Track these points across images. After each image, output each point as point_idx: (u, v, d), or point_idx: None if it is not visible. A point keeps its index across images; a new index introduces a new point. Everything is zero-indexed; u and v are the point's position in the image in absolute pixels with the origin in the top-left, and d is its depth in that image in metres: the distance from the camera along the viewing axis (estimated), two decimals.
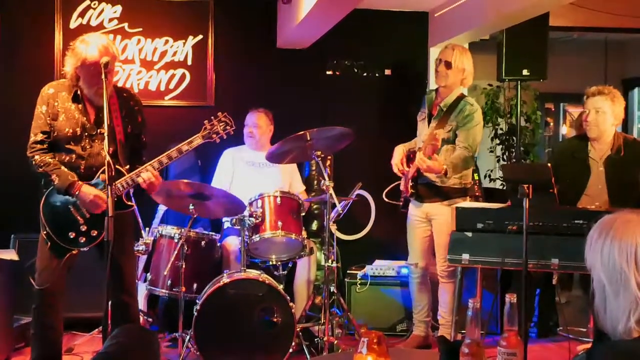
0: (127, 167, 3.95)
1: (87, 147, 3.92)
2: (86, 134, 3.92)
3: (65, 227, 3.90)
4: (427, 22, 6.73)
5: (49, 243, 3.91)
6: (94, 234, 3.89)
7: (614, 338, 1.88)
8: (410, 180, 4.90)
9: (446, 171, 4.60)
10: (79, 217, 3.89)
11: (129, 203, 4.00)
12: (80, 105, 3.94)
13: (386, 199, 5.20)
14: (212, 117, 4.16)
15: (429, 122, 4.98)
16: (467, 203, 4.87)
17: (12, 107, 5.84)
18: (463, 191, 4.94)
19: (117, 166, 3.88)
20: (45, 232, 3.93)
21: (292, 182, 5.55)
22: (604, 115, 4.66)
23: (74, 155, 3.91)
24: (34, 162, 3.88)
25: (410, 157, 5.04)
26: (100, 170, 3.88)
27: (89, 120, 3.93)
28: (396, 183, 5.12)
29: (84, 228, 3.89)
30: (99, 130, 3.91)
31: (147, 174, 3.91)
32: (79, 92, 3.94)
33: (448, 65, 4.90)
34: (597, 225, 1.94)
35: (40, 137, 3.91)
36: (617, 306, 1.85)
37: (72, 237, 3.90)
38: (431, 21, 6.70)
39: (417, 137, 5.15)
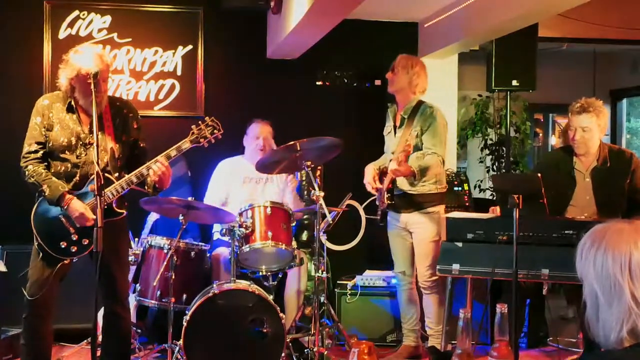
0: (116, 175, 3.94)
1: (82, 155, 3.92)
2: (81, 142, 3.93)
3: (56, 237, 3.89)
4: (417, 33, 6.75)
5: (41, 254, 3.90)
6: (86, 243, 3.88)
7: (605, 348, 1.87)
8: (386, 192, 4.91)
9: (414, 174, 4.63)
10: (69, 227, 3.87)
11: (120, 210, 3.99)
12: (74, 115, 3.95)
13: (365, 215, 5.22)
14: (200, 122, 4.15)
15: (395, 134, 5.01)
16: (457, 213, 4.88)
17: (1, 118, 5.81)
18: (439, 197, 4.95)
19: (106, 175, 3.88)
20: (37, 244, 3.92)
21: (285, 194, 5.51)
22: (590, 132, 4.66)
23: (69, 165, 3.91)
24: (26, 172, 3.88)
25: (383, 174, 5.05)
26: (89, 181, 3.88)
27: (84, 130, 3.94)
28: (372, 198, 5.13)
29: (75, 237, 3.88)
30: (90, 141, 3.91)
31: (155, 167, 3.91)
32: (72, 102, 3.95)
33: (392, 69, 5.02)
34: (589, 234, 1.94)
35: (34, 147, 3.91)
36: (610, 316, 1.85)
37: (63, 246, 3.88)
38: (421, 32, 6.72)
39: (386, 153, 5.15)
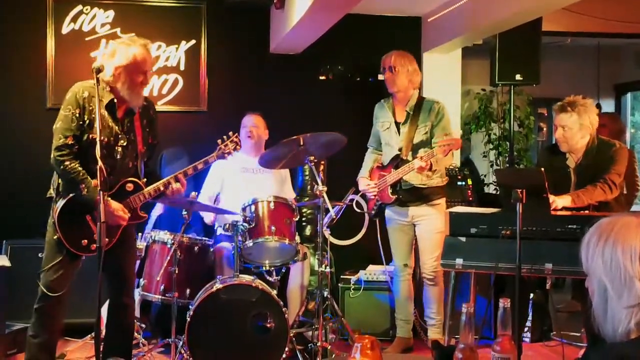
0: (145, 180, 3.95)
1: (118, 156, 3.89)
2: (117, 144, 3.89)
3: (78, 234, 3.87)
4: (420, 27, 6.74)
5: (64, 250, 3.86)
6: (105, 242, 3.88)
7: (612, 340, 1.88)
8: (389, 187, 4.92)
9: (431, 166, 4.71)
10: (93, 226, 3.85)
11: (143, 214, 4.04)
12: (111, 114, 3.88)
13: (357, 209, 5.24)
14: (225, 137, 4.31)
15: (398, 129, 5.05)
16: (460, 208, 4.88)
17: (4, 113, 5.81)
18: (443, 190, 5.08)
19: (135, 179, 3.90)
20: (56, 237, 3.86)
21: (283, 188, 5.51)
22: (570, 131, 4.69)
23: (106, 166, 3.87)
24: (63, 167, 3.76)
25: (380, 169, 5.08)
26: (120, 184, 3.91)
27: (120, 129, 3.90)
28: (352, 191, 5.13)
29: (97, 237, 3.88)
30: (119, 142, 3.90)
31: (177, 184, 4.01)
32: (115, 100, 3.87)
33: (392, 69, 5.01)
34: (595, 228, 1.95)
35: (71, 141, 3.78)
36: (620, 307, 1.86)
37: (84, 244, 3.87)
38: (424, 26, 6.71)
39: (386, 147, 5.16)
